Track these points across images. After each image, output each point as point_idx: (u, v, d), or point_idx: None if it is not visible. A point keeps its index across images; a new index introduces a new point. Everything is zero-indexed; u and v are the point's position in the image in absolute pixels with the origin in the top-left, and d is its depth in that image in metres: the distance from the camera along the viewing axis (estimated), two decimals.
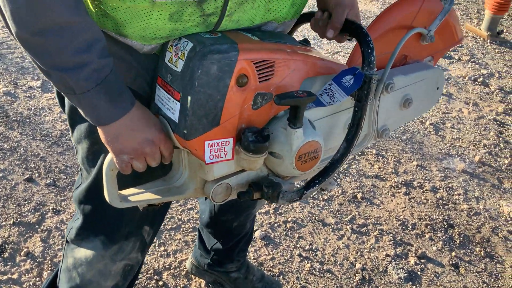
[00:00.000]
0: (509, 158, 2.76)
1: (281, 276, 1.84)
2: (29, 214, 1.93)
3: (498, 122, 3.12)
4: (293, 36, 1.17)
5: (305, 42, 1.11)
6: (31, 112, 2.49)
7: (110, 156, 0.95)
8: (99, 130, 0.91)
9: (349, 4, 1.06)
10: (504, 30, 4.61)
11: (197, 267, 1.73)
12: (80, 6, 0.80)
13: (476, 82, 3.58)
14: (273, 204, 2.05)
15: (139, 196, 1.01)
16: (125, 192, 1.01)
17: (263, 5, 0.96)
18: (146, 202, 1.02)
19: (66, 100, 1.04)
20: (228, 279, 1.70)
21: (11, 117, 2.43)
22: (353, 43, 1.29)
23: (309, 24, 1.13)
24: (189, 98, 0.87)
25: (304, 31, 3.81)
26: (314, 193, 0.99)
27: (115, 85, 0.86)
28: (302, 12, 1.09)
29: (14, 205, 1.96)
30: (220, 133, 0.93)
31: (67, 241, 1.17)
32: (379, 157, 2.61)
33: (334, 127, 1.11)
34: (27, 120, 2.42)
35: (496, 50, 4.18)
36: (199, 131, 0.90)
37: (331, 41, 2.33)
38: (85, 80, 0.81)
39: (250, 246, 1.93)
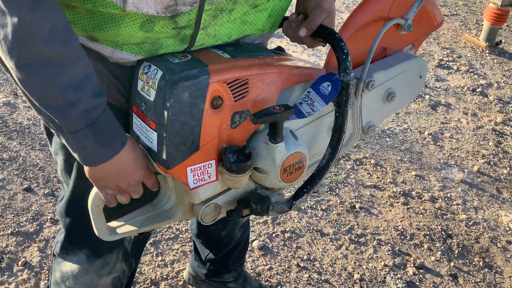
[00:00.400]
0: (508, 168, 2.76)
1: (279, 287, 1.83)
2: (27, 224, 1.94)
3: (496, 132, 3.13)
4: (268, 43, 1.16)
5: (279, 50, 1.10)
6: (31, 122, 2.50)
7: (93, 192, 0.94)
8: (85, 167, 0.88)
9: (328, 9, 1.04)
10: (503, 41, 4.63)
11: (194, 277, 1.73)
12: (71, 37, 0.75)
13: (474, 92, 3.59)
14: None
15: (127, 226, 1.01)
16: (114, 224, 1.00)
17: (239, 18, 0.94)
18: (136, 232, 1.01)
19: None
20: None
21: (11, 127, 2.44)
22: None
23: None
24: (164, 128, 0.86)
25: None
26: (303, 202, 0.98)
27: (106, 127, 0.82)
28: None
29: (12, 215, 1.96)
30: (201, 157, 0.92)
31: (54, 255, 1.17)
32: (377, 167, 2.62)
33: (317, 132, 1.10)
34: (27, 130, 2.43)
35: (495, 61, 4.20)
36: (179, 158, 0.89)
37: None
38: (74, 120, 0.78)
39: (248, 256, 1.93)
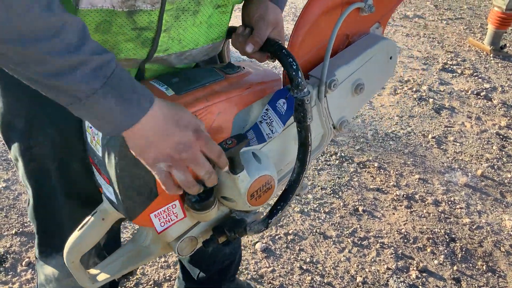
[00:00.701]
0: None
1: None
2: (31, 224, 1.94)
3: (500, 136, 3.12)
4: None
5: (229, 67, 1.02)
6: None
7: (67, 247, 0.93)
8: (129, 143, 0.79)
9: (273, 21, 0.98)
10: (507, 45, 4.62)
11: None
12: (53, 5, 0.67)
13: (479, 96, 3.58)
14: None
15: (109, 270, 1.00)
16: (94, 271, 1.00)
17: (205, 22, 0.91)
18: (119, 275, 1.02)
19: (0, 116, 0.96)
20: None
21: None
22: None
23: None
24: (116, 184, 0.84)
25: None
26: (279, 219, 0.97)
27: (125, 82, 0.73)
28: None
29: (17, 215, 1.97)
30: (162, 202, 0.89)
31: (36, 258, 1.15)
32: (381, 170, 2.61)
33: (285, 143, 1.05)
34: None
35: (499, 65, 4.19)
36: (139, 208, 0.88)
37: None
38: (89, 82, 0.69)
39: (251, 258, 1.93)
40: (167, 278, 1.82)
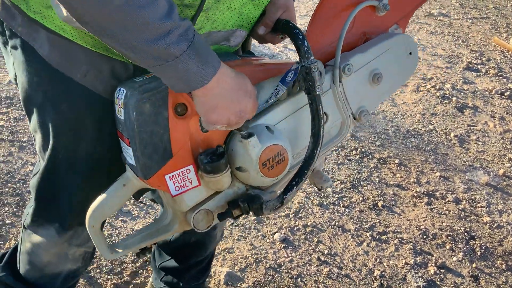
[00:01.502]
0: None
1: (299, 279, 1.85)
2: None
3: None
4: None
5: (248, 53, 1.11)
6: None
7: (89, 212, 0.96)
8: (197, 103, 0.88)
9: (283, 4, 1.05)
10: None
11: (153, 287, 1.63)
12: None
13: (503, 96, 3.54)
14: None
15: (128, 243, 1.04)
16: (117, 243, 1.04)
17: (238, 8, 0.97)
18: (137, 248, 1.04)
19: (21, 89, 1.02)
20: None
21: None
22: None
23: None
24: (134, 140, 0.89)
25: None
26: (294, 195, 1.00)
27: (202, 45, 0.82)
28: None
29: None
30: (177, 164, 0.93)
31: (24, 227, 1.17)
32: (401, 166, 2.61)
33: (300, 125, 1.08)
34: None
35: None
36: (154, 167, 0.91)
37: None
38: (177, 45, 0.78)
39: (269, 247, 1.95)
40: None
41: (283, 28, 1.02)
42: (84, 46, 0.92)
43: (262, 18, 1.05)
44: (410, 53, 1.18)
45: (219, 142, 0.99)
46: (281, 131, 1.03)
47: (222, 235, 1.51)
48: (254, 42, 1.21)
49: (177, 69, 0.80)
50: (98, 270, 1.73)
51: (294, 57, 3.53)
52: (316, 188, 1.45)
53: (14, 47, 0.97)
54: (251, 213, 1.01)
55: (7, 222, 1.87)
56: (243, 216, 1.04)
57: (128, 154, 0.93)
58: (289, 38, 1.02)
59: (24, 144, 2.29)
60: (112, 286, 1.68)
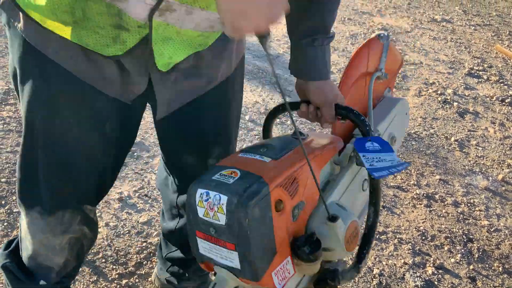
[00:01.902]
0: None
1: None
2: None
3: None
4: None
5: (300, 134, 1.14)
6: None
7: None
8: (220, 4, 0.77)
9: (333, 98, 1.13)
10: None
11: (159, 279, 1.67)
12: None
13: (503, 103, 3.58)
14: None
15: None
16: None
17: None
18: None
19: (9, 66, 1.04)
20: None
21: None
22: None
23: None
24: (245, 246, 0.90)
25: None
26: (366, 264, 1.14)
27: None
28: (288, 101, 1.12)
29: None
30: (279, 259, 0.96)
31: (18, 212, 1.19)
32: None
33: (354, 192, 1.18)
34: None
35: None
36: (265, 268, 0.93)
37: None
38: None
39: None
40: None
41: (348, 116, 1.15)
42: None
43: (322, 117, 1.15)
44: (406, 113, 1.43)
45: (302, 229, 1.03)
46: (346, 205, 1.10)
47: None
48: (252, 41, 1.23)
49: None
50: (103, 260, 1.76)
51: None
52: None
53: (5, 25, 1.01)
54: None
55: (14, 210, 1.90)
56: None
57: (229, 258, 0.93)
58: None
59: None
60: (116, 275, 1.72)
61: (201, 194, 0.92)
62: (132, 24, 0.90)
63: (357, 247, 1.13)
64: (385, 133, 1.31)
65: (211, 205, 0.91)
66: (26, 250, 1.21)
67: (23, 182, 1.11)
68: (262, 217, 0.90)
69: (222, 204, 0.89)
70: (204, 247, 0.96)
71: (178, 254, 1.50)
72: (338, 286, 1.09)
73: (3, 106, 2.49)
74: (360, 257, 1.11)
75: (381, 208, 1.05)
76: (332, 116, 1.13)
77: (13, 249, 1.27)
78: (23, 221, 1.17)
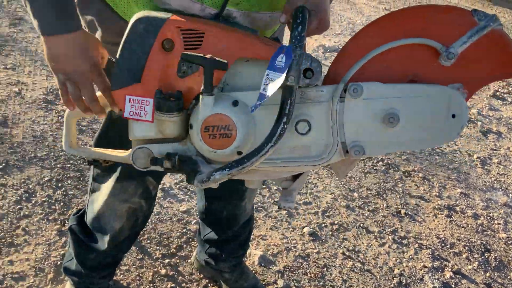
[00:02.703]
0: None
1: (325, 268, 2.02)
2: None
3: None
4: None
5: (276, 39, 1.13)
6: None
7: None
8: (44, 46, 1.02)
9: None
10: None
11: (198, 261, 1.84)
12: None
13: None
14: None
15: (86, 150, 1.15)
16: (83, 146, 1.18)
17: None
18: (89, 156, 1.14)
19: None
20: (221, 278, 1.79)
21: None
22: None
23: None
24: (119, 51, 0.98)
25: None
26: (223, 178, 0.95)
27: (65, 6, 0.98)
28: None
29: None
30: (140, 90, 0.98)
31: (93, 178, 1.39)
32: (425, 180, 2.77)
33: (269, 123, 0.96)
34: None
35: None
36: (122, 82, 0.98)
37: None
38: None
39: (299, 239, 2.13)
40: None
41: (297, 12, 0.95)
42: None
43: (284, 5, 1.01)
44: (453, 116, 0.97)
45: (191, 95, 0.99)
46: (253, 116, 0.98)
47: (252, 208, 1.68)
48: None
49: (36, 9, 0.97)
50: (148, 241, 1.94)
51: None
52: (277, 205, 1.49)
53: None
54: (183, 176, 1.07)
55: (69, 192, 2.09)
56: (181, 176, 1.07)
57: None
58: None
59: (83, 128, 2.53)
60: (160, 255, 1.89)
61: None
62: None
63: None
64: (380, 101, 0.97)
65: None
66: (92, 213, 1.41)
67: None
68: (141, 37, 0.95)
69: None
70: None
71: (213, 235, 1.68)
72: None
73: (58, 100, 2.71)
74: (221, 168, 0.95)
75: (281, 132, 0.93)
76: (291, 6, 0.99)
77: (80, 215, 1.48)
78: (96, 186, 1.38)
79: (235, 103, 0.97)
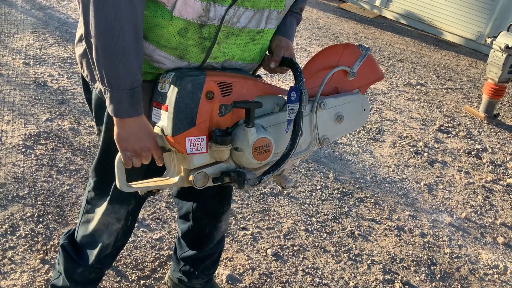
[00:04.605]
0: (493, 218, 3.17)
1: (287, 284, 2.24)
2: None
3: (486, 189, 3.55)
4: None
5: (258, 76, 1.50)
6: (91, 144, 3.04)
7: (119, 154, 1.28)
8: (115, 131, 1.22)
9: (285, 46, 1.45)
10: (501, 114, 5.13)
11: (171, 279, 2.02)
12: (138, 33, 1.16)
13: (470, 155, 4.04)
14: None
15: (140, 184, 1.36)
16: (131, 182, 1.36)
17: (242, 45, 1.34)
18: (145, 189, 1.37)
19: (94, 102, 1.41)
20: None
21: (75, 146, 2.98)
22: None
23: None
24: (173, 106, 1.23)
25: None
26: (268, 179, 1.37)
27: (138, 95, 1.19)
28: None
29: (79, 210, 2.44)
30: (196, 132, 1.27)
31: (87, 201, 1.58)
32: (376, 205, 3.05)
33: (281, 135, 1.45)
34: (88, 150, 2.96)
35: (492, 130, 4.68)
36: (181, 129, 1.24)
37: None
38: (125, 84, 1.16)
39: (262, 259, 2.34)
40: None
41: (288, 63, 1.43)
42: None
43: (272, 56, 1.44)
44: (364, 109, 1.64)
45: (229, 126, 1.34)
46: (276, 133, 1.43)
47: (226, 228, 1.89)
48: None
49: (116, 97, 1.17)
50: (124, 266, 2.12)
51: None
52: (281, 188, 1.94)
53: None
54: (235, 185, 1.36)
55: (50, 226, 2.27)
56: (234, 189, 1.37)
57: (163, 118, 1.26)
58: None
59: (61, 169, 2.73)
60: (136, 277, 2.07)
61: (164, 74, 1.28)
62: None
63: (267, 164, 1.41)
64: (333, 108, 1.53)
65: (165, 80, 1.27)
66: (86, 230, 1.60)
67: (100, 180, 1.53)
68: (191, 93, 1.23)
69: (170, 77, 1.26)
70: (154, 113, 1.30)
71: (190, 253, 1.88)
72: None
73: (36, 145, 2.91)
74: (266, 172, 1.35)
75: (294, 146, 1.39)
76: (278, 56, 1.42)
77: (71, 234, 1.67)
78: (90, 208, 1.58)
79: (264, 128, 1.37)
